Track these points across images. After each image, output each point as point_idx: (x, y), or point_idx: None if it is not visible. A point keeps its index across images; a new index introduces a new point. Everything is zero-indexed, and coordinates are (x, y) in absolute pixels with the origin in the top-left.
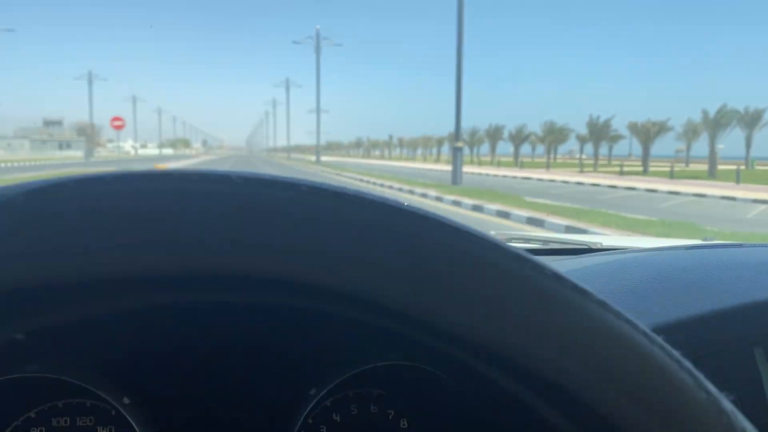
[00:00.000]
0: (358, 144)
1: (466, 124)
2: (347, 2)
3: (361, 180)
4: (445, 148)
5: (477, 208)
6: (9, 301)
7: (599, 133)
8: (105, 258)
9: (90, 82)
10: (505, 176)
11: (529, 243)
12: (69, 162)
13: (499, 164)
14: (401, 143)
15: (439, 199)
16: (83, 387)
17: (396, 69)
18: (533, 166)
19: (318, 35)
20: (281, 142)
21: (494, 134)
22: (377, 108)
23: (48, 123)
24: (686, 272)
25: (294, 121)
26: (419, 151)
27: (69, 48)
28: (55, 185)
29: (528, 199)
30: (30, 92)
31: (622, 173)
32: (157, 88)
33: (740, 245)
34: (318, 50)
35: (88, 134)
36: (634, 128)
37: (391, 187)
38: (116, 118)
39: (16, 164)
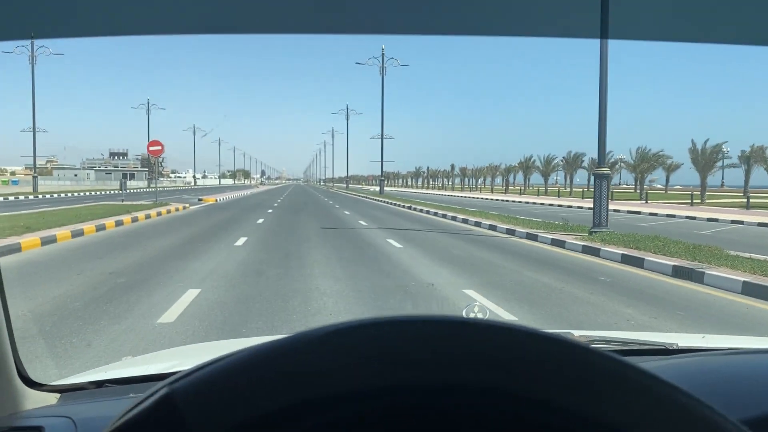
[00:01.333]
0: (417, 173)
1: (535, 151)
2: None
3: (444, 216)
4: (511, 177)
5: (686, 275)
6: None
7: (707, 160)
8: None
9: (148, 111)
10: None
11: (609, 344)
12: (109, 194)
13: (583, 195)
14: (464, 173)
15: (592, 251)
16: None
17: (454, 97)
18: (619, 197)
19: (383, 55)
20: (339, 172)
21: (573, 162)
22: (435, 137)
23: (114, 154)
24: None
25: (351, 149)
26: (481, 181)
27: (133, 82)
28: (341, 330)
29: (733, 253)
30: (98, 125)
31: (748, 207)
32: (218, 120)
33: None
34: (383, 71)
35: (151, 165)
36: (758, 153)
37: (494, 228)
38: (153, 143)
39: (65, 195)
